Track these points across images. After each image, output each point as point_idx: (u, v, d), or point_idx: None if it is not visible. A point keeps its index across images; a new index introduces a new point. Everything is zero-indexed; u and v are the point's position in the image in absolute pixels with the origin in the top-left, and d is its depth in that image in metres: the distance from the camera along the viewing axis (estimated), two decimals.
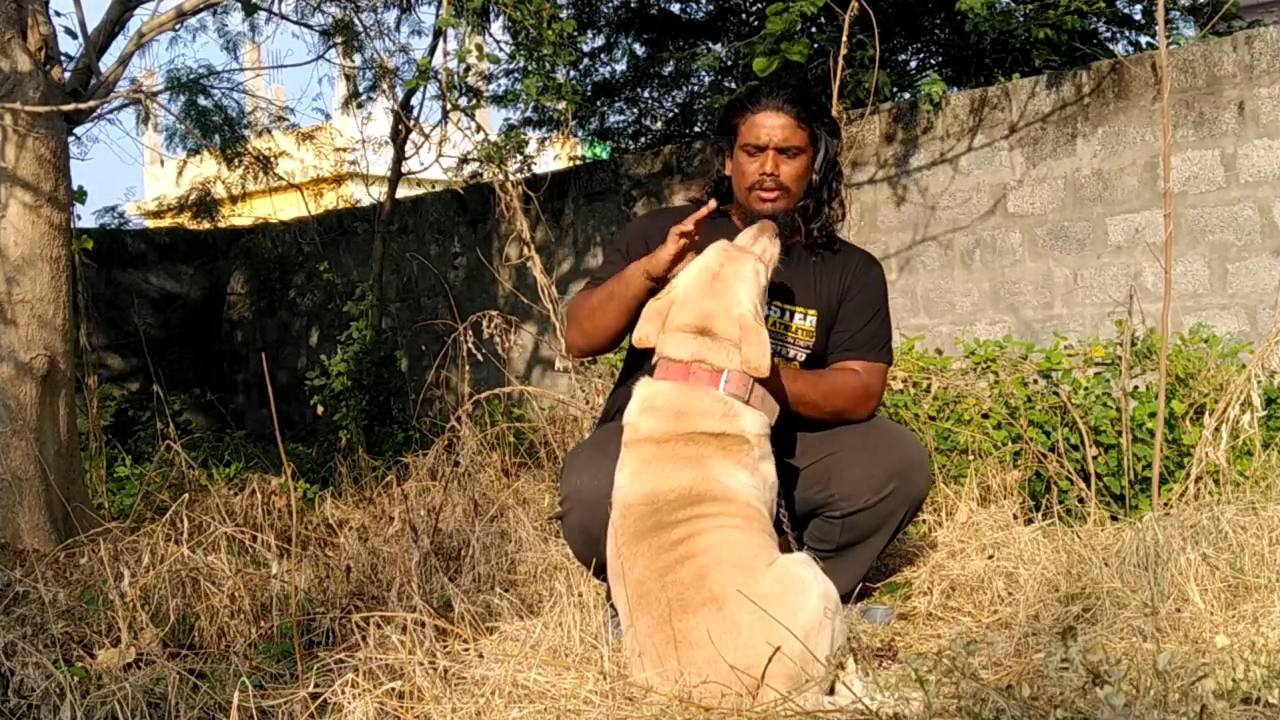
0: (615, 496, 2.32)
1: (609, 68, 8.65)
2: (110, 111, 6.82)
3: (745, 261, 2.46)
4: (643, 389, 2.41)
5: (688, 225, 2.48)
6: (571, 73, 7.03)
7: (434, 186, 8.55)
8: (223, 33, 7.88)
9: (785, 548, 2.39)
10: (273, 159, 8.34)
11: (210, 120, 7.84)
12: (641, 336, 2.46)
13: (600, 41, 8.48)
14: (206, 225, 9.11)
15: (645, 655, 2.13)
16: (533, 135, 7.03)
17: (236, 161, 8.19)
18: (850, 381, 2.72)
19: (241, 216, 9.49)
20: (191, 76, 7.71)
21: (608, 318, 2.63)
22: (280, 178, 8.19)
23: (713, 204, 2.57)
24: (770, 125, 2.65)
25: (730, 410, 2.34)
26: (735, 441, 2.33)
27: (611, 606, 2.66)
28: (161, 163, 9.25)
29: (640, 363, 2.66)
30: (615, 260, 2.76)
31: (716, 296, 2.41)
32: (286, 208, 9.03)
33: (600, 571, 2.67)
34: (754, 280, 2.45)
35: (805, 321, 2.74)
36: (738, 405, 2.35)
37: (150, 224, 10.26)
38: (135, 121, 7.90)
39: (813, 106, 2.72)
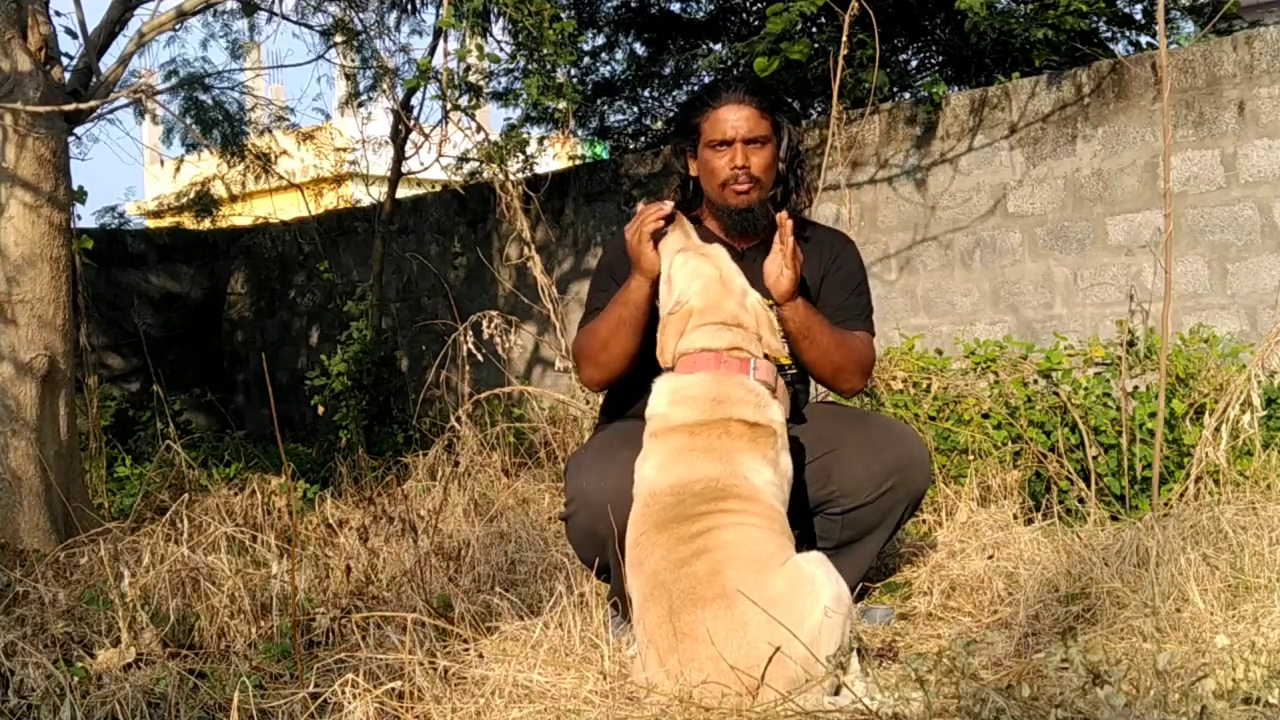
0: (638, 487, 2.32)
1: (609, 67, 8.65)
2: (110, 111, 6.82)
3: (720, 252, 2.53)
4: (669, 382, 2.42)
5: (657, 221, 2.50)
6: (572, 72, 7.03)
7: (434, 186, 8.56)
8: (223, 33, 7.88)
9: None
10: (272, 158, 8.34)
11: (209, 117, 7.85)
12: (666, 355, 2.46)
13: (600, 41, 8.48)
14: (206, 225, 9.11)
15: (651, 646, 2.13)
16: (533, 134, 7.03)
17: (236, 159, 8.19)
18: (856, 343, 2.73)
19: (242, 216, 9.49)
20: (190, 74, 7.71)
21: (622, 342, 2.61)
22: (281, 177, 8.20)
23: (669, 204, 2.56)
24: (735, 118, 2.66)
25: (762, 399, 2.38)
26: (765, 433, 2.35)
27: (612, 606, 2.66)
28: (161, 162, 9.24)
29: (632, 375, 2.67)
30: (606, 287, 2.75)
31: (730, 294, 2.45)
32: (286, 207, 9.04)
33: (604, 573, 2.67)
34: (734, 264, 2.51)
35: None
36: (767, 394, 2.39)
37: (150, 224, 10.26)
38: (134, 114, 7.91)
39: (771, 96, 2.75)
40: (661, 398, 2.41)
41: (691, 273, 2.48)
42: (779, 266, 2.55)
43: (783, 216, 2.54)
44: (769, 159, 2.71)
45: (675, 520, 2.21)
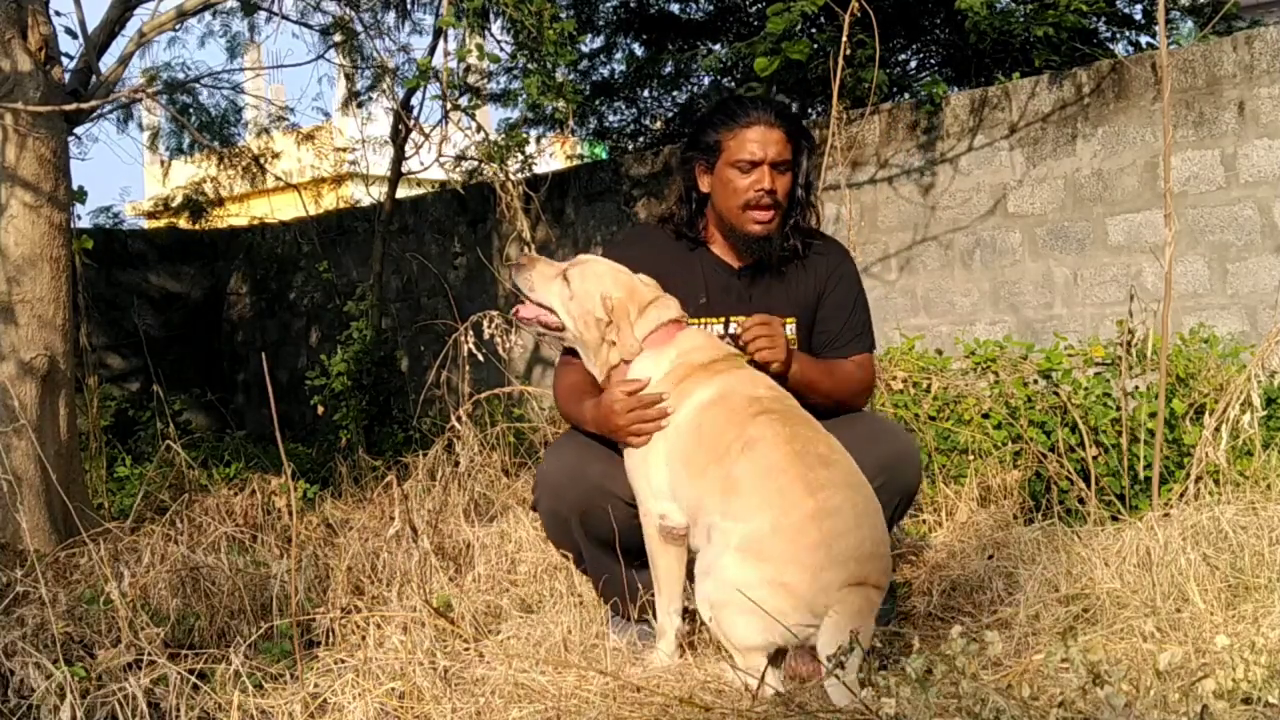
0: (718, 391, 2.41)
1: (608, 67, 8.65)
2: (110, 111, 6.82)
3: (591, 255, 2.73)
4: (661, 350, 2.50)
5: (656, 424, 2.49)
6: (571, 73, 7.02)
7: (434, 186, 8.56)
8: (222, 33, 7.89)
9: None
10: (265, 160, 8.34)
11: (197, 120, 7.85)
12: (630, 346, 2.54)
13: (600, 43, 8.48)
14: (202, 225, 9.12)
15: (785, 493, 2.25)
16: (531, 135, 7.03)
17: (228, 161, 8.20)
18: (854, 373, 2.77)
19: (239, 217, 9.49)
20: (172, 78, 7.72)
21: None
22: (278, 179, 8.20)
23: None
24: (765, 140, 2.64)
25: None
26: None
27: (611, 607, 2.67)
28: (161, 163, 9.24)
29: None
30: None
31: (633, 278, 2.60)
32: (285, 208, 9.04)
33: (579, 561, 2.68)
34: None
35: (788, 331, 2.74)
36: None
37: (148, 224, 10.27)
38: (117, 120, 7.86)
39: (796, 122, 2.75)
40: (664, 358, 2.49)
41: (594, 276, 2.57)
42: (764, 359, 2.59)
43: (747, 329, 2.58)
44: (790, 185, 2.70)
45: (795, 417, 2.40)
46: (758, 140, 2.64)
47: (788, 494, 2.25)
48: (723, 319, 2.73)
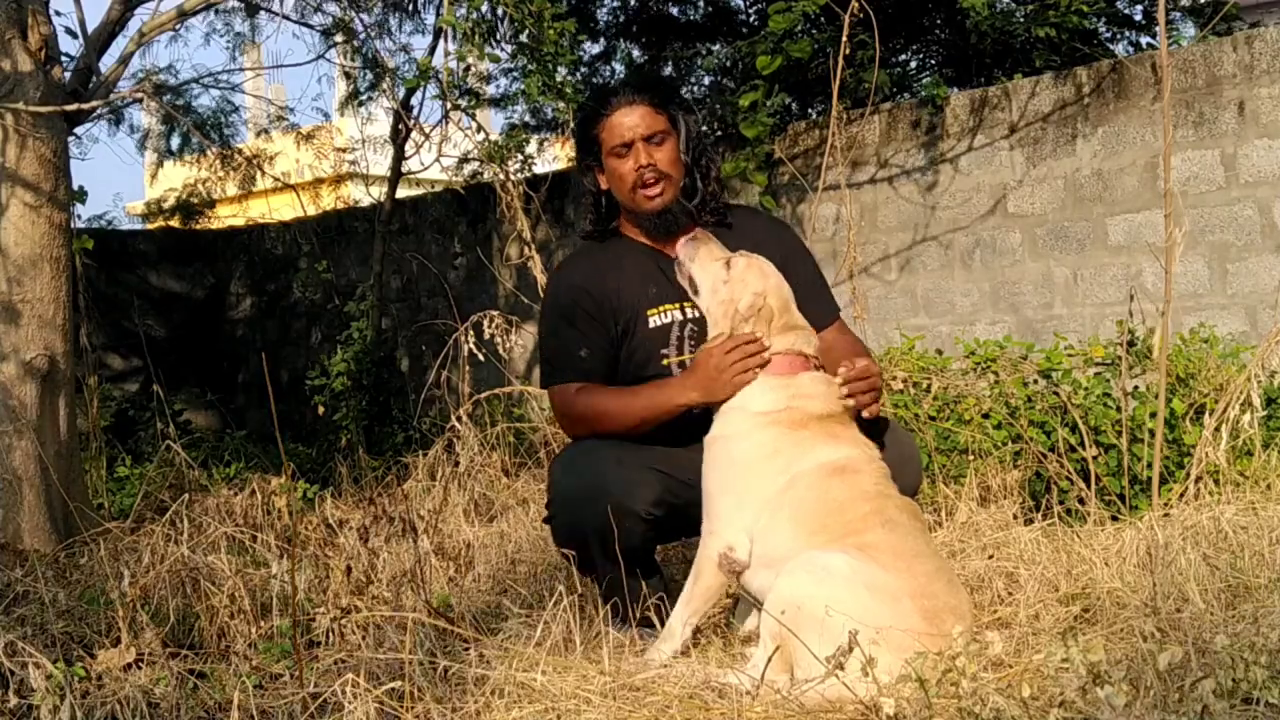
0: (833, 457, 2.37)
1: (609, 67, 8.64)
2: (109, 112, 6.81)
3: (768, 262, 2.61)
4: (784, 380, 2.46)
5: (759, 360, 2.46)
6: (571, 75, 7.02)
7: (434, 186, 8.56)
8: (223, 33, 7.89)
9: None
10: (259, 161, 8.35)
11: (189, 122, 7.87)
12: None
13: (600, 48, 8.47)
14: (194, 226, 9.12)
15: (931, 577, 2.25)
16: (532, 139, 7.03)
17: (220, 163, 8.21)
18: (859, 347, 2.75)
19: (237, 218, 9.50)
20: (183, 79, 7.74)
21: (643, 431, 2.59)
22: (277, 179, 8.21)
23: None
24: (630, 120, 2.65)
25: None
26: None
27: (611, 608, 2.67)
28: (160, 164, 9.23)
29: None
30: (568, 336, 2.70)
31: (791, 301, 2.55)
32: (284, 208, 9.04)
33: (589, 570, 2.67)
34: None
35: None
36: None
37: (149, 226, 10.26)
38: (107, 124, 7.86)
39: (662, 89, 2.74)
40: (780, 392, 2.45)
41: (758, 272, 2.54)
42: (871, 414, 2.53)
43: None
44: (672, 153, 2.68)
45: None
46: (623, 122, 2.64)
47: (933, 578, 2.24)
48: (677, 304, 2.70)
